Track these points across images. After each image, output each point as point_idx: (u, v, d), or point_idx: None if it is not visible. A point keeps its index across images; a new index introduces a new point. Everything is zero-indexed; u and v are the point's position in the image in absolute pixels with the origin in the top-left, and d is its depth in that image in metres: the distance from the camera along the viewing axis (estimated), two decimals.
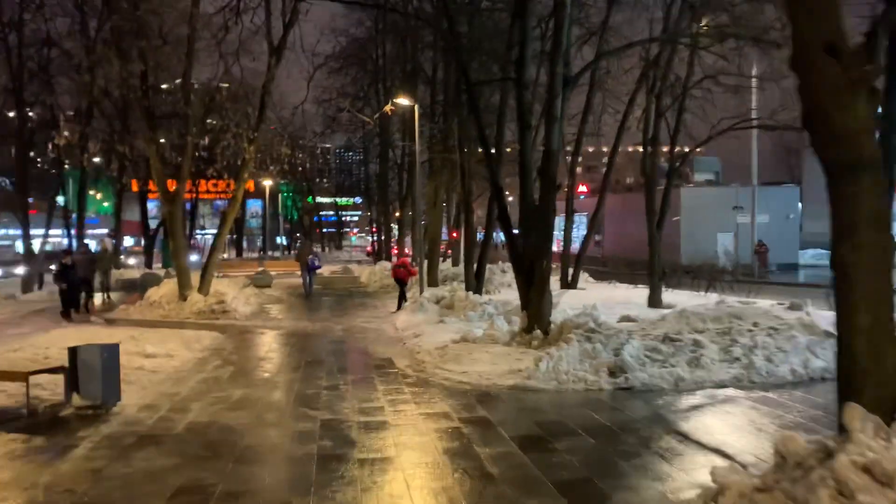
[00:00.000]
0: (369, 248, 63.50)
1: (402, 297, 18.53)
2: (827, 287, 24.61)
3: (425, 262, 21.56)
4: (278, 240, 72.75)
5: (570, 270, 22.75)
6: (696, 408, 7.87)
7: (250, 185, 53.75)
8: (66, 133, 19.10)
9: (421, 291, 18.74)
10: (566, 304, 15.10)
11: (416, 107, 18.11)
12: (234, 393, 9.16)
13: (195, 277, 19.81)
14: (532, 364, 9.40)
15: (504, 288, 22.16)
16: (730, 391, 8.54)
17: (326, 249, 76.32)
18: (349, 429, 7.25)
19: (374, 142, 39.79)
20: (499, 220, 11.65)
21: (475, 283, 18.20)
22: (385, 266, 31.34)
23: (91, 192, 53.30)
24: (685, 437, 6.65)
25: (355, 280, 30.00)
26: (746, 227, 37.64)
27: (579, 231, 42.53)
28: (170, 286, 20.37)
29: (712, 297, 17.54)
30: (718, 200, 39.75)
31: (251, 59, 20.51)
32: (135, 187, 37.76)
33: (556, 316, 12.09)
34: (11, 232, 51.37)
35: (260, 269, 33.61)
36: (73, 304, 17.76)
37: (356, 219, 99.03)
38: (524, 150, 11.18)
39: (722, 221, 38.69)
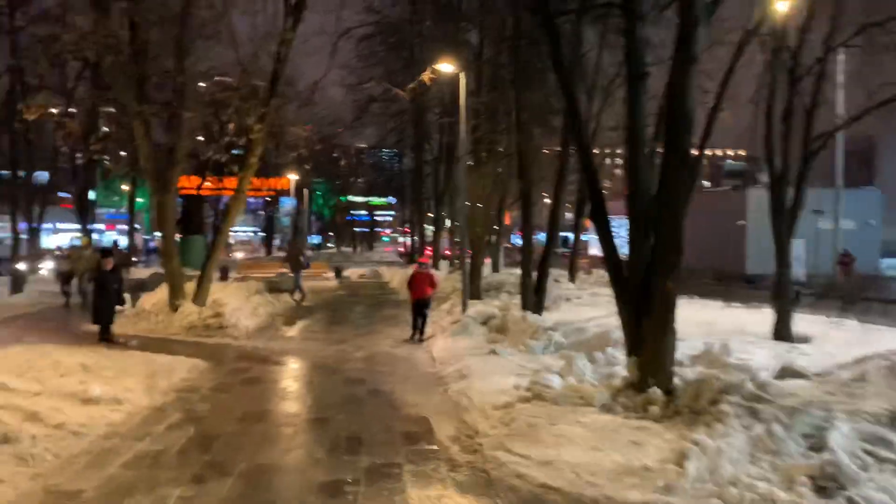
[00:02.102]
0: (402, 249, 60.16)
1: (423, 322, 14.02)
2: None
3: (467, 268, 17.70)
4: (311, 239, 69.82)
5: None
6: None
7: (285, 182, 50.80)
8: (41, 103, 15.61)
9: (464, 308, 14.91)
10: None
11: (462, 74, 14.36)
12: (170, 496, 5.51)
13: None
14: (668, 459, 5.58)
15: (563, 303, 18.26)
16: None
17: (358, 249, 73.17)
18: None
19: (407, 131, 36.15)
20: (592, 216, 7.87)
21: (534, 299, 14.30)
22: None
23: (125, 188, 50.66)
24: None
25: (384, 286, 26.43)
26: (824, 234, 33.54)
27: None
28: (166, 292, 16.98)
29: (850, 325, 13.47)
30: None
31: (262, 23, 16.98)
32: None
33: None
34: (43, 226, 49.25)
35: (282, 270, 30.14)
36: (110, 320, 13.36)
37: (389, 219, 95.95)
38: (635, 109, 7.36)
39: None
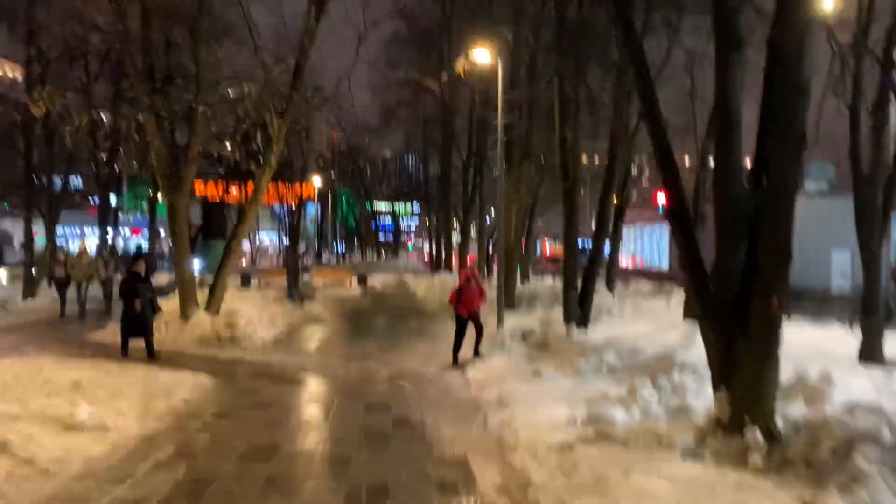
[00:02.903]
0: (427, 257, 58.94)
1: (479, 337, 12.12)
2: None
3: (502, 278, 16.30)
4: (336, 247, 69.01)
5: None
6: None
7: (310, 189, 49.97)
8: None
9: (499, 321, 13.51)
10: None
11: (500, 63, 12.96)
12: None
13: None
14: None
15: (605, 316, 16.78)
16: None
17: (383, 257, 72.11)
18: None
19: (434, 136, 34.90)
20: (670, 216, 6.47)
21: (578, 311, 12.84)
22: (446, 280, 26.35)
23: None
24: None
25: (410, 295, 25.09)
26: None
27: (662, 245, 37.04)
28: (177, 300, 15.85)
29: None
30: (836, 212, 33.66)
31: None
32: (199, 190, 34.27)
33: None
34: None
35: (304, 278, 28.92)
36: (137, 331, 12.03)
37: (414, 226, 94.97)
38: (727, 85, 5.98)
39: (839, 238, 32.68)
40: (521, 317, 14.92)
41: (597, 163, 27.91)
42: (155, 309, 12.56)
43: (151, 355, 11.85)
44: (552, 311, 16.57)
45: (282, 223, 68.71)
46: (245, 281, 27.16)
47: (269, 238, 70.39)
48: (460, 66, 13.85)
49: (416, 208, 75.54)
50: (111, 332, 14.52)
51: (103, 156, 18.43)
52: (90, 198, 42.91)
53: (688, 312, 15.79)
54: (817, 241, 32.35)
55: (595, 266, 13.17)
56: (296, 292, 21.37)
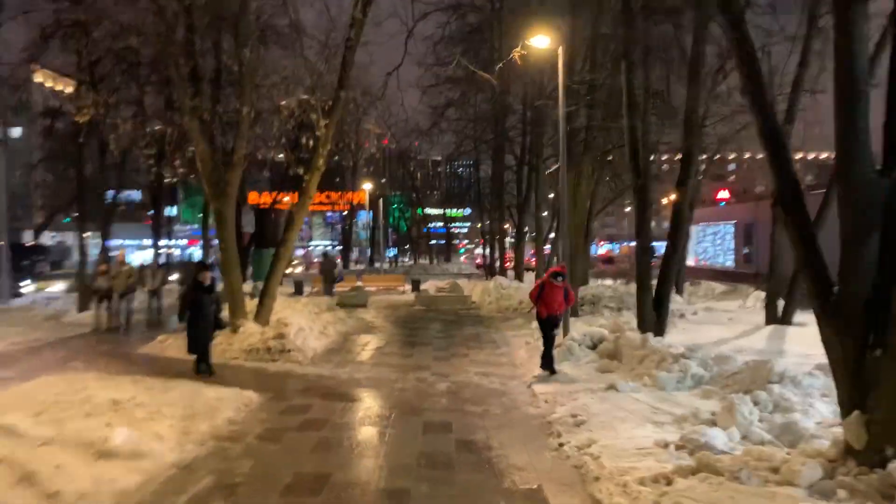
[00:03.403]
0: (479, 261, 58.12)
1: (548, 347, 10.64)
2: None
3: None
4: (388, 253, 68.88)
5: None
6: None
7: (362, 196, 49.69)
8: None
9: (566, 328, 12.51)
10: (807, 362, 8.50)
11: (561, 49, 11.96)
12: None
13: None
14: None
15: (677, 320, 15.63)
16: None
17: (435, 261, 71.67)
18: None
19: (486, 135, 33.90)
20: (783, 205, 5.42)
21: (653, 317, 11.77)
22: (501, 283, 25.43)
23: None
24: None
25: (465, 300, 24.27)
26: None
27: (725, 243, 35.39)
28: (226, 311, 15.34)
29: None
30: None
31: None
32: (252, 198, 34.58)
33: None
34: (128, 242, 50.39)
35: (357, 283, 28.41)
36: (205, 348, 11.27)
37: (465, 230, 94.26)
38: (851, 49, 4.91)
39: None
40: (587, 323, 13.91)
41: (653, 157, 26.62)
42: (219, 324, 11.69)
43: (201, 371, 11.27)
44: (620, 315, 15.54)
45: (333, 230, 68.91)
46: (298, 289, 26.83)
47: (322, 246, 70.75)
48: (516, 54, 12.86)
49: (468, 212, 74.86)
50: (158, 345, 14.14)
51: (151, 164, 18.13)
52: (148, 211, 43.61)
53: (770, 317, 14.51)
54: None
55: (670, 268, 12.05)
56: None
